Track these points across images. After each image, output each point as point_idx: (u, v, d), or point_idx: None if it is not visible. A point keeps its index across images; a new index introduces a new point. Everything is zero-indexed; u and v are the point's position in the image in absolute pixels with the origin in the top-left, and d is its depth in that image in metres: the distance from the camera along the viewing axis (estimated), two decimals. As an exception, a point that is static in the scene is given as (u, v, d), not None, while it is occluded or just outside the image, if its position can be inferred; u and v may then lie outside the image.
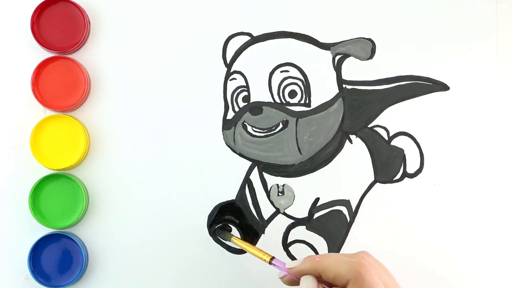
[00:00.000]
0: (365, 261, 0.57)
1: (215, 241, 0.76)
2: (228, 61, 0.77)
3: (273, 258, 0.65)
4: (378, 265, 0.59)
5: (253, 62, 0.77)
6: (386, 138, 0.77)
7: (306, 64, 0.77)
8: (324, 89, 0.77)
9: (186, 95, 0.77)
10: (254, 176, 0.77)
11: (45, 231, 0.75)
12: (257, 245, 0.76)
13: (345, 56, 0.77)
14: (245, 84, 0.77)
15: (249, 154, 0.77)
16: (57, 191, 0.75)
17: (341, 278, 0.56)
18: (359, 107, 0.77)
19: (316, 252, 0.76)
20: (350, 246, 0.76)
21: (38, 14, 0.75)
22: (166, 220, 0.76)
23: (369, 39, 0.77)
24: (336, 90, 0.77)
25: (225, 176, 0.77)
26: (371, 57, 0.77)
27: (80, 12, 0.76)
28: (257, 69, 0.77)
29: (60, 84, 0.75)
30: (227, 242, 0.75)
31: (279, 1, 0.78)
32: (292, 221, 0.77)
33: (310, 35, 0.77)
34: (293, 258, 0.76)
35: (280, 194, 0.77)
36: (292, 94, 0.76)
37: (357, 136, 0.77)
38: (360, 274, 0.55)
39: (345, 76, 0.77)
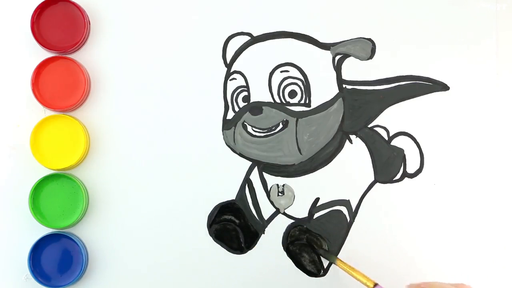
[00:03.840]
0: None
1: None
2: (228, 61, 0.77)
3: (376, 285, 0.64)
4: None
5: (253, 62, 0.77)
6: (386, 138, 0.77)
7: (306, 64, 0.77)
8: (324, 89, 0.77)
9: (186, 95, 0.77)
10: (254, 176, 0.77)
11: (45, 231, 0.75)
12: (257, 245, 0.76)
13: (345, 56, 0.77)
14: (245, 84, 0.77)
15: (249, 154, 0.77)
16: (57, 191, 0.75)
17: None
18: (359, 107, 0.77)
19: (315, 248, 0.76)
20: (350, 246, 0.76)
21: (38, 14, 0.75)
22: (166, 220, 0.76)
23: (369, 39, 0.77)
24: (336, 90, 0.77)
25: (225, 176, 0.77)
26: (371, 57, 0.77)
27: (80, 12, 0.76)
28: (257, 69, 0.77)
29: (60, 84, 0.75)
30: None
31: (279, 1, 0.78)
32: (292, 221, 0.77)
33: (310, 35, 0.77)
34: (293, 258, 0.76)
35: (280, 194, 0.77)
36: (292, 94, 0.76)
37: (357, 136, 0.77)
38: None
39: (345, 76, 0.77)
